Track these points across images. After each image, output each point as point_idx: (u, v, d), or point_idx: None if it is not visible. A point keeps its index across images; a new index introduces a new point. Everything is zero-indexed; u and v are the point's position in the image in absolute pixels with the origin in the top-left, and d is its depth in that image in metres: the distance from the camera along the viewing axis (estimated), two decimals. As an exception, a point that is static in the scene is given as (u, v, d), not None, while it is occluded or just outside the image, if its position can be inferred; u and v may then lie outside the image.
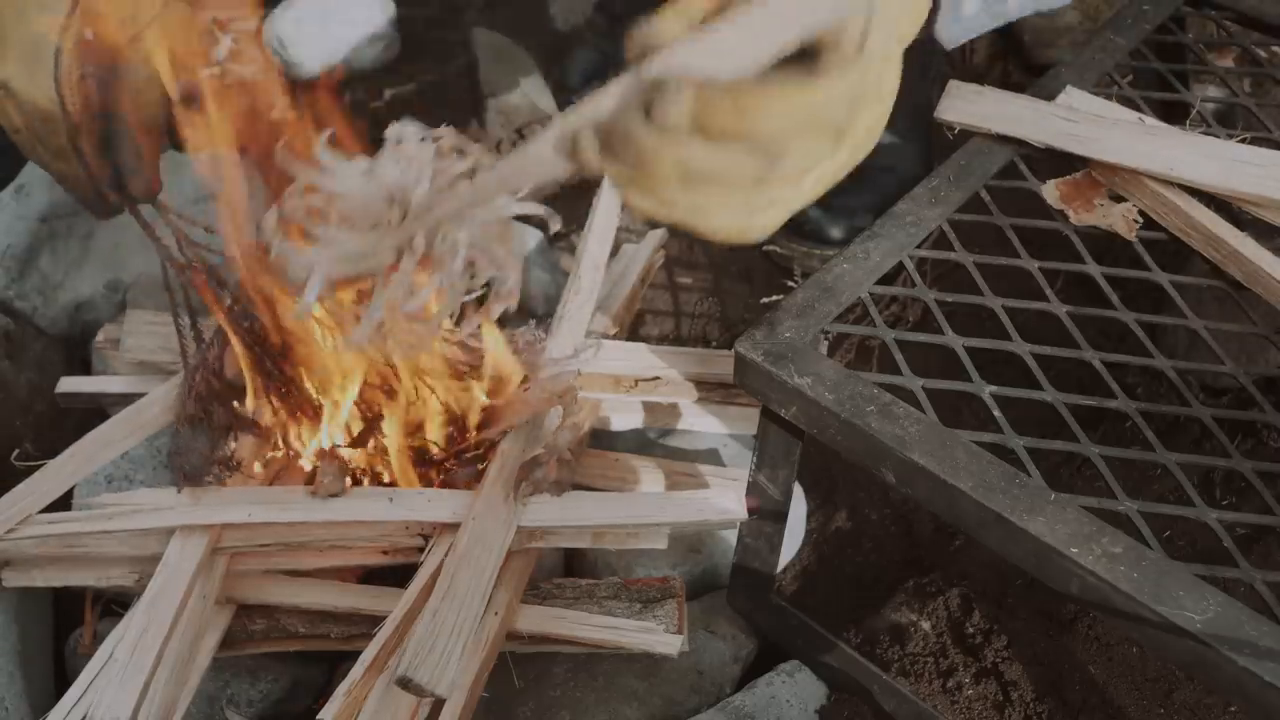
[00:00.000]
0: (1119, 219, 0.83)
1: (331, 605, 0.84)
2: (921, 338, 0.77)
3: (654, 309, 1.25)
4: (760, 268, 1.28)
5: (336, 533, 0.84)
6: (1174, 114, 0.95)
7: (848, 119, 0.47)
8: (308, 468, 0.91)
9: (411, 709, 0.76)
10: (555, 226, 0.62)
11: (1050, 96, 0.90)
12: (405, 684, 0.72)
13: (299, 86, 0.79)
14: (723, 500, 0.85)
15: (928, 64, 1.32)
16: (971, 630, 0.90)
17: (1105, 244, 0.83)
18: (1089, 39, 0.98)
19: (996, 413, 0.71)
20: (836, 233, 1.19)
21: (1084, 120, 0.85)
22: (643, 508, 0.86)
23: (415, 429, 0.91)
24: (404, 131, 0.62)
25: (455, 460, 0.91)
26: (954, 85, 0.89)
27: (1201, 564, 0.62)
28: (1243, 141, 0.88)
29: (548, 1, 1.60)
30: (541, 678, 0.87)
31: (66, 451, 0.90)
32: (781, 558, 0.93)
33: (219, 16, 0.75)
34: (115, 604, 0.88)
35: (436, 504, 0.84)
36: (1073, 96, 0.88)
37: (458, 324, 0.81)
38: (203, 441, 0.88)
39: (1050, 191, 0.84)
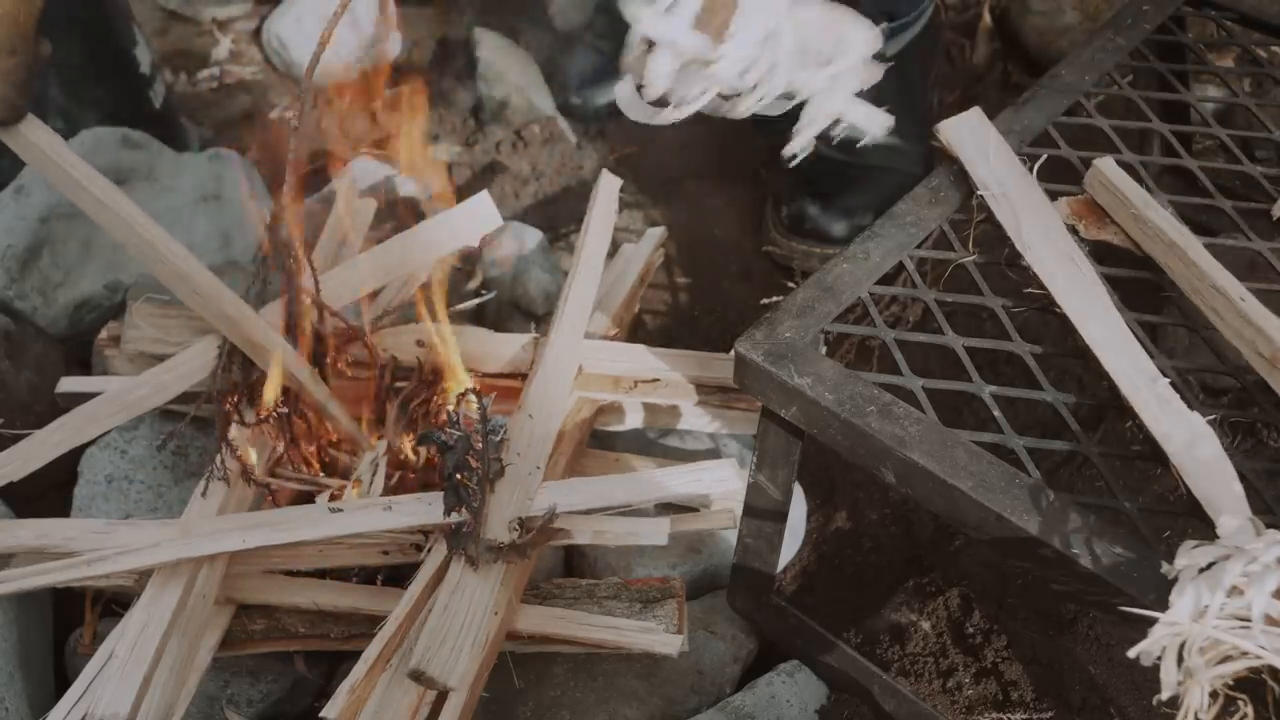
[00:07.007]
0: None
1: (331, 605, 0.84)
2: (921, 338, 0.77)
3: (654, 309, 1.25)
4: (760, 268, 1.28)
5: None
6: (1174, 114, 0.95)
7: None
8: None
9: (412, 708, 0.76)
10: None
11: (1050, 95, 0.90)
12: (418, 676, 0.72)
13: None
14: (720, 470, 0.85)
15: (928, 66, 1.32)
16: (971, 630, 0.90)
17: (1105, 245, 0.83)
18: (1089, 39, 0.98)
19: (996, 413, 0.71)
20: (836, 232, 1.19)
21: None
22: (641, 486, 0.85)
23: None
24: None
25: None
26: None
27: (1201, 564, 0.62)
28: (1242, 142, 0.88)
29: (547, 1, 1.61)
30: (541, 678, 0.87)
31: (54, 423, 0.90)
32: (781, 558, 0.93)
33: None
34: (115, 604, 0.88)
35: (435, 506, 0.84)
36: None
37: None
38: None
39: (1061, 209, 0.83)
